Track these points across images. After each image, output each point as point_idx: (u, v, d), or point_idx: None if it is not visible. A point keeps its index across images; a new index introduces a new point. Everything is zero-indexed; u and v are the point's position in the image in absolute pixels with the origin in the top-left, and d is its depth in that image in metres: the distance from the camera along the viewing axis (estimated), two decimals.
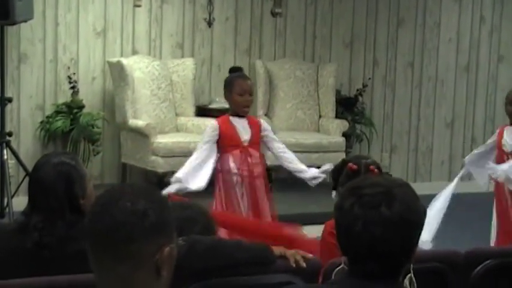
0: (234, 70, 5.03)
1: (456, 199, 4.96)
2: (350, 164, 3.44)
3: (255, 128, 4.78)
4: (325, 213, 3.59)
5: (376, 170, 3.42)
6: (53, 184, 2.78)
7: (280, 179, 7.40)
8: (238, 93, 4.68)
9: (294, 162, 4.86)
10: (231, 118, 4.75)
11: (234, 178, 4.70)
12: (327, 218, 3.48)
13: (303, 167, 4.84)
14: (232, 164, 4.69)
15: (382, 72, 8.07)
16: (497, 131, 5.34)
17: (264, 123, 4.91)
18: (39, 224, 2.74)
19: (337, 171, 3.56)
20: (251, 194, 4.72)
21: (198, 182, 4.56)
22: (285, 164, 4.87)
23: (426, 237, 4.27)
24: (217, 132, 4.69)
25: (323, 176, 4.79)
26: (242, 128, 4.72)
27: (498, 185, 5.19)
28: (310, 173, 4.80)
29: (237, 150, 4.70)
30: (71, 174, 2.84)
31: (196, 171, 4.58)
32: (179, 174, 4.53)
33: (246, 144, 4.71)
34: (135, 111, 6.90)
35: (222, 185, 4.73)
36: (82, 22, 7.03)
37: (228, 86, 4.75)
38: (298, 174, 4.85)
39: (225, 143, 4.71)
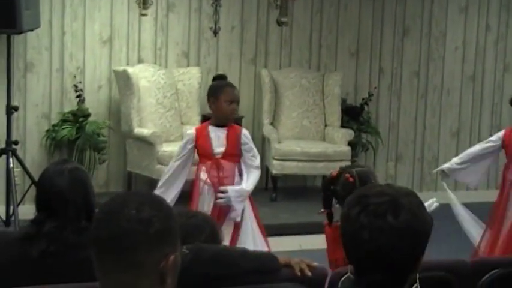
0: (220, 78, 4.97)
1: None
2: (347, 175, 3.45)
3: (233, 139, 4.62)
4: None
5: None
6: (72, 192, 2.78)
7: (285, 188, 7.39)
8: (226, 100, 4.55)
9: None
10: (210, 127, 4.64)
11: (206, 187, 4.63)
12: None
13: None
14: (203, 175, 4.64)
15: (387, 82, 8.06)
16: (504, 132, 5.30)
17: (244, 135, 4.68)
18: (51, 230, 2.72)
19: (326, 190, 3.56)
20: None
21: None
22: None
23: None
24: (193, 144, 4.65)
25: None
26: (218, 139, 4.61)
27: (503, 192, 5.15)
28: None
29: (209, 162, 4.62)
30: (85, 180, 2.85)
31: (167, 189, 4.66)
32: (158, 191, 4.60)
33: (218, 156, 4.60)
34: (140, 120, 6.90)
35: (195, 193, 4.69)
36: (88, 31, 7.04)
37: (216, 93, 4.60)
38: None
39: (199, 152, 4.69)
